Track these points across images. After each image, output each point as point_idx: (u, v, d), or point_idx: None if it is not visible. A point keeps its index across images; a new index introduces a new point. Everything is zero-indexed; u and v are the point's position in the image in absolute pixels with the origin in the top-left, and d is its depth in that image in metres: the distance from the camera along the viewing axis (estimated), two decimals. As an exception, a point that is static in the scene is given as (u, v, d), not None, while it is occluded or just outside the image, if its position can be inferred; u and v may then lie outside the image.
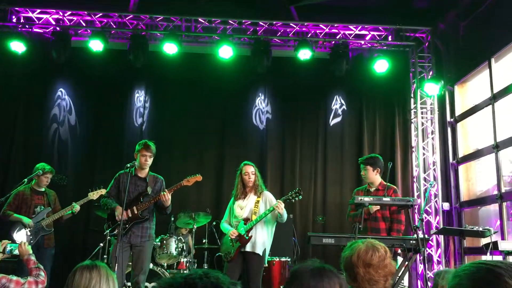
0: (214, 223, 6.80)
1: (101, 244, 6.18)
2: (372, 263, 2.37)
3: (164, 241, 6.36)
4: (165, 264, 6.43)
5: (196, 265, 6.69)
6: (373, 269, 2.36)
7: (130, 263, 5.34)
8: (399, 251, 5.11)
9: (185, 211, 6.71)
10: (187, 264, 6.55)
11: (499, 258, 5.29)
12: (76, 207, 6.04)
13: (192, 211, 6.65)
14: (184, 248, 6.52)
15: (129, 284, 5.51)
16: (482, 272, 1.34)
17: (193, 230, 6.40)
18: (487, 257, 4.89)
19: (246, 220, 5.21)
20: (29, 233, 5.85)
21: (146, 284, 5.60)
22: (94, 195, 6.06)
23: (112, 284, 2.41)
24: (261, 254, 5.12)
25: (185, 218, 6.58)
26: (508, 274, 1.29)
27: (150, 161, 5.26)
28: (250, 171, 5.36)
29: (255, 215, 5.18)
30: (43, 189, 6.23)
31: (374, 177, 5.54)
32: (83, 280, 2.34)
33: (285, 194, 5.44)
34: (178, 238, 6.45)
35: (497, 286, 1.29)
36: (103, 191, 5.95)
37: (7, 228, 5.86)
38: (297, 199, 5.21)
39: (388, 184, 5.57)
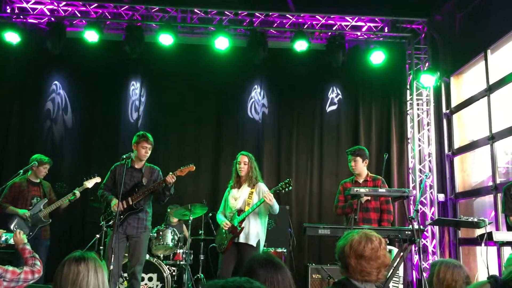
0: (210, 214, 6.81)
1: (97, 236, 6.19)
2: (364, 255, 2.35)
3: (161, 233, 6.38)
4: (162, 255, 6.45)
5: (192, 256, 6.72)
6: (365, 260, 2.35)
7: (127, 254, 5.36)
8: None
9: (173, 205, 6.75)
10: (183, 255, 6.57)
11: (493, 248, 5.33)
12: (77, 193, 6.01)
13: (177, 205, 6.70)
14: (180, 239, 6.54)
15: (125, 275, 5.53)
16: None
17: (189, 221, 6.41)
18: (481, 248, 4.92)
19: (240, 211, 5.22)
20: (29, 225, 5.87)
21: (143, 275, 5.63)
22: (89, 183, 6.06)
23: (101, 275, 2.38)
24: (254, 245, 5.13)
25: (181, 209, 6.59)
26: None
27: (149, 152, 5.26)
28: (243, 161, 5.38)
29: (248, 206, 5.20)
30: (38, 180, 6.22)
31: (363, 168, 5.57)
32: (70, 274, 2.31)
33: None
34: (173, 229, 6.47)
35: None
36: (98, 179, 5.97)
37: (4, 220, 5.87)
38: (287, 190, 5.20)
39: (374, 175, 5.60)
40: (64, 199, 6.02)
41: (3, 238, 3.49)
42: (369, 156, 5.74)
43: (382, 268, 2.39)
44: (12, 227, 5.76)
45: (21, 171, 5.88)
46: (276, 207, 5.23)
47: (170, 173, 5.12)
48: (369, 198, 5.32)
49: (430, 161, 7.85)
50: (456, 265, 2.93)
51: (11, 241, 3.46)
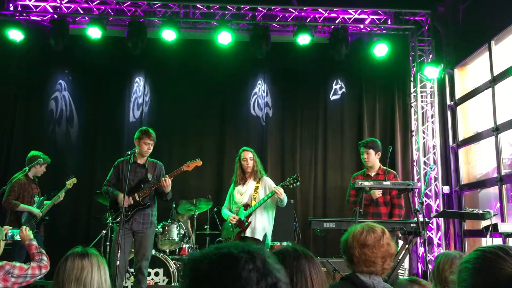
0: (215, 209, 6.83)
1: (104, 231, 6.23)
2: (367, 243, 2.36)
3: (166, 228, 6.39)
4: (167, 250, 6.48)
5: (198, 251, 6.73)
6: (368, 249, 2.36)
7: (133, 250, 5.38)
8: (400, 234, 5.14)
9: (185, 200, 6.77)
10: (189, 250, 6.59)
11: (499, 240, 5.32)
12: (61, 196, 6.30)
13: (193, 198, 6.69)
14: (186, 234, 6.57)
15: (132, 270, 5.56)
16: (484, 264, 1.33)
17: (194, 216, 6.43)
18: (487, 240, 4.93)
19: (246, 206, 5.23)
20: (36, 222, 6.03)
21: (149, 270, 5.65)
22: (70, 184, 6.29)
23: (104, 272, 2.38)
24: (261, 239, 5.14)
25: (186, 204, 6.61)
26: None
27: (152, 148, 5.25)
28: (248, 157, 5.36)
29: (255, 201, 5.20)
30: (33, 178, 6.24)
31: (375, 161, 5.54)
32: (74, 270, 2.30)
33: (285, 179, 5.43)
34: (179, 224, 6.49)
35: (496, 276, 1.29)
36: (74, 180, 6.32)
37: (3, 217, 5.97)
38: (295, 185, 5.20)
39: (387, 168, 5.57)
40: (55, 200, 6.22)
41: (9, 234, 3.50)
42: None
43: (388, 258, 2.39)
44: (23, 222, 5.86)
45: (27, 168, 5.92)
46: (285, 200, 5.25)
47: (163, 177, 5.10)
48: (381, 192, 5.30)
49: (434, 153, 7.83)
50: (456, 256, 2.93)
51: (17, 237, 3.47)
